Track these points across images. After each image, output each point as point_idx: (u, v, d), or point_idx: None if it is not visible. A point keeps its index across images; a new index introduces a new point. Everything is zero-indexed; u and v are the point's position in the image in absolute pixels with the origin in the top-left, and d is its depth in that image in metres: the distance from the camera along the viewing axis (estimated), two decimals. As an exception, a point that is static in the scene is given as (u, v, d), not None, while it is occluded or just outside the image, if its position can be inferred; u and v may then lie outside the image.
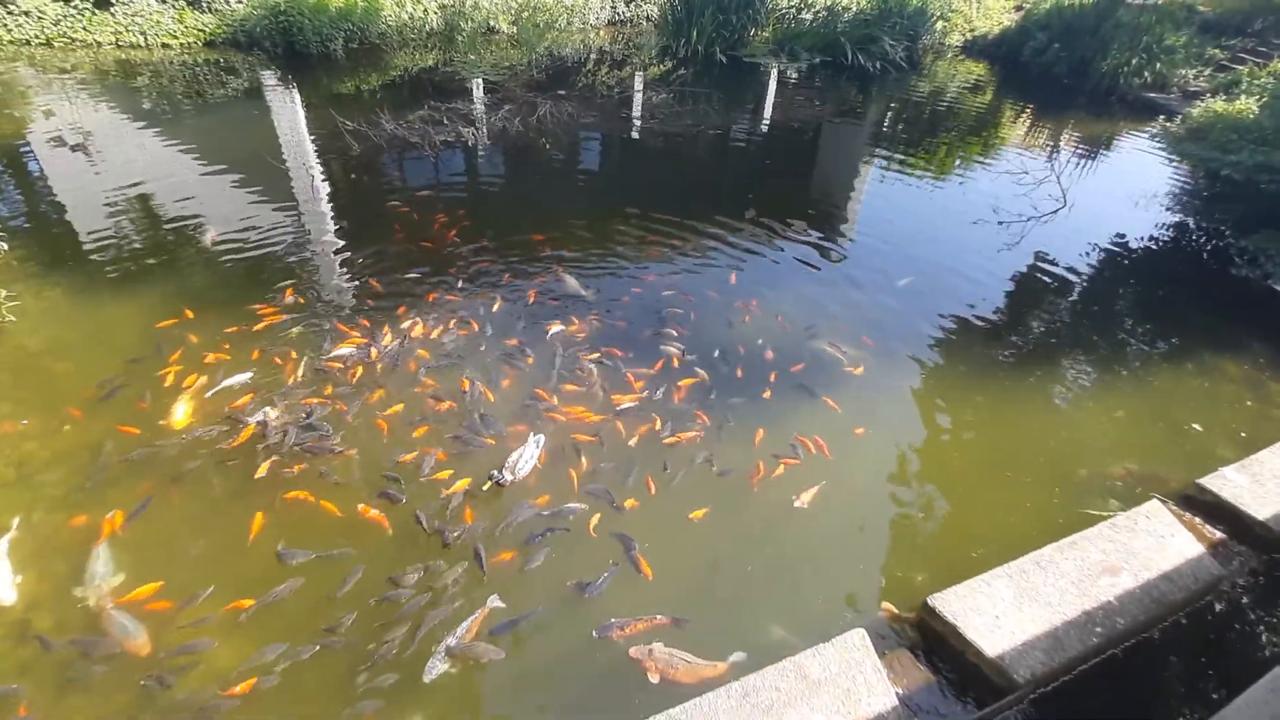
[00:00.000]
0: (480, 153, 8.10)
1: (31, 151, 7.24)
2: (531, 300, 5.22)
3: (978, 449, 4.21)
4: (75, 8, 10.16)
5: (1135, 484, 3.89)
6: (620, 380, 4.45)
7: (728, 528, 3.51)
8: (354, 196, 6.87)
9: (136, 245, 5.63)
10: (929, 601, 2.77)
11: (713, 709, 2.34)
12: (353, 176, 7.24)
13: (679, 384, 4.43)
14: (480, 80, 10.50)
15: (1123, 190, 8.37)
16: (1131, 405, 4.65)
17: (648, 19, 14.94)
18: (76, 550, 3.16)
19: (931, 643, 2.76)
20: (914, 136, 10.20)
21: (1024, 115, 11.58)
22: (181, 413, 3.89)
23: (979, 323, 5.45)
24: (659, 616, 3.01)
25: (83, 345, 4.43)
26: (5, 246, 5.10)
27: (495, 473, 3.59)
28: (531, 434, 3.84)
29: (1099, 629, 2.64)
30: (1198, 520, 3.32)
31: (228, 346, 4.46)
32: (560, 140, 8.61)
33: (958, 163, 9.16)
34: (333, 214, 6.49)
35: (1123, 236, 7.17)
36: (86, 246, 5.55)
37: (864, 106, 11.38)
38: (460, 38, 12.22)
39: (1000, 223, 7.21)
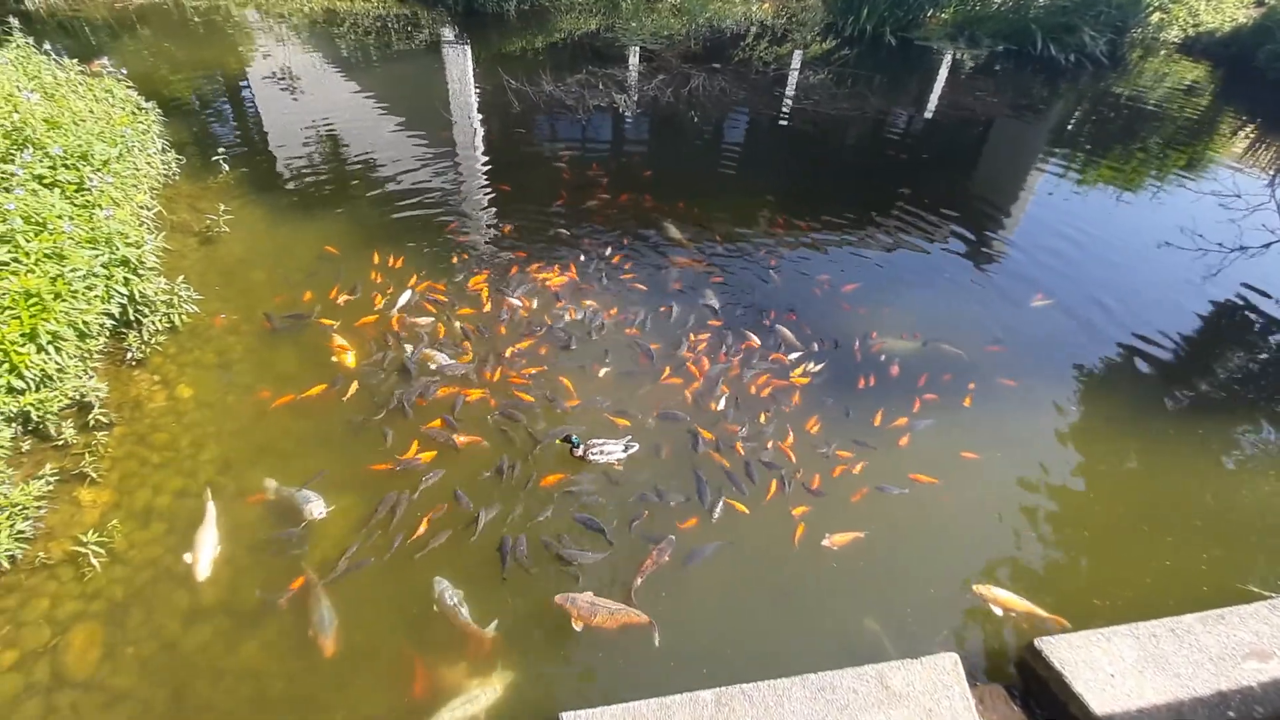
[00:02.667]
0: (629, 120, 8.24)
1: (249, 86, 8.28)
2: (655, 272, 5.31)
3: (1117, 496, 3.82)
4: (296, -41, 11.39)
5: (1313, 569, 3.38)
6: (733, 378, 4.40)
7: (822, 534, 3.47)
8: (508, 151, 7.26)
9: (322, 176, 6.33)
10: (1035, 644, 2.61)
11: (786, 693, 2.37)
12: (510, 132, 7.65)
13: (795, 381, 4.35)
14: (638, 48, 10.61)
15: (1364, 230, 7.04)
16: (1326, 480, 4.00)
17: (817, -7, 14.30)
18: (265, 429, 3.73)
19: (1031, 686, 2.61)
20: (1103, 141, 9.09)
21: (1246, 129, 9.97)
22: (344, 336, 4.40)
23: (1148, 358, 4.87)
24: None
25: (274, 258, 5.09)
26: (227, 168, 5.96)
27: (575, 438, 3.64)
28: (629, 438, 3.76)
29: (1232, 714, 2.36)
30: (1387, 622, 2.83)
31: (384, 279, 4.94)
32: (709, 115, 8.56)
33: (1152, 176, 8.09)
34: (488, 166, 6.92)
35: (1354, 285, 6.06)
36: (283, 174, 6.32)
37: (1047, 103, 10.29)
38: (625, 4, 12.37)
39: (1198, 250, 6.33)
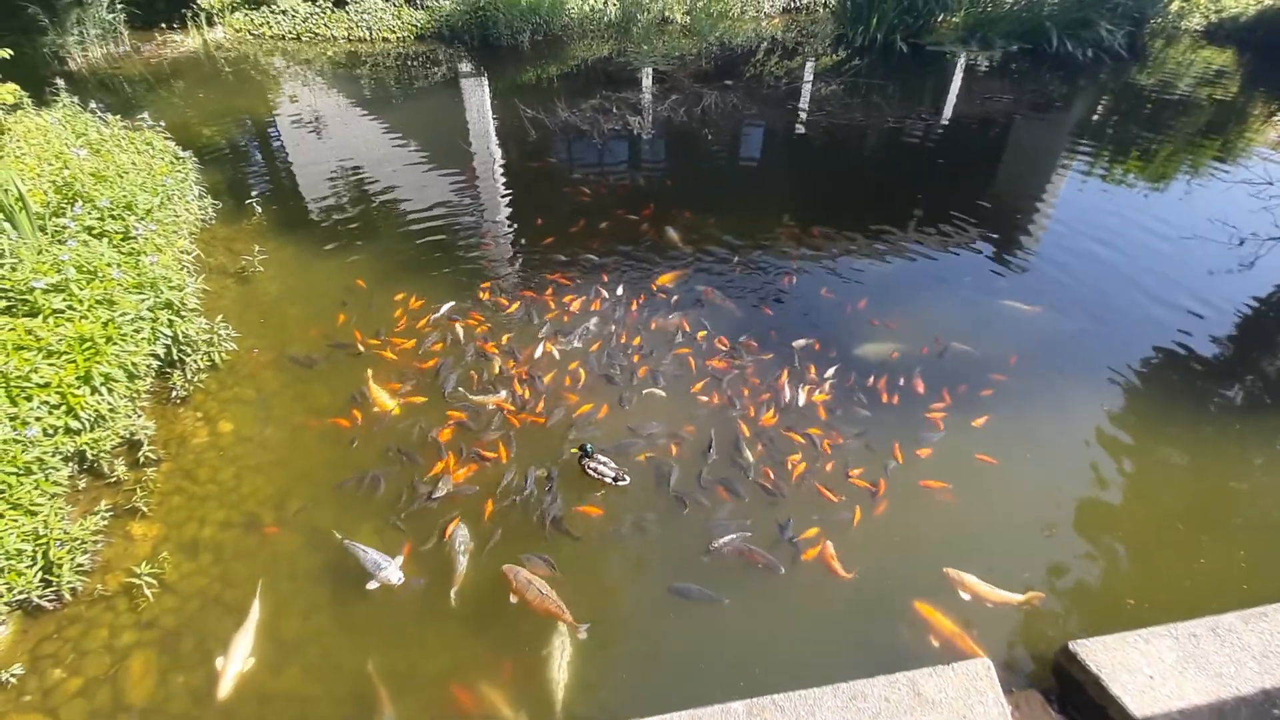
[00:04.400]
0: (644, 142, 8.38)
1: (278, 130, 8.65)
2: (668, 293, 5.32)
3: (1152, 496, 3.74)
4: (319, 6, 11.91)
5: (1367, 564, 3.26)
6: (754, 399, 4.40)
7: (844, 549, 3.47)
8: (527, 178, 7.44)
9: (348, 213, 6.56)
10: (1070, 647, 2.57)
11: (817, 702, 2.38)
12: (528, 160, 7.84)
13: (815, 399, 4.34)
14: (650, 70, 10.80)
15: None
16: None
17: (825, 5, 14.41)
18: (302, 461, 3.88)
19: (1067, 690, 2.57)
20: (1128, 136, 8.94)
21: (1279, 114, 9.70)
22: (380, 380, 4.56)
23: (1182, 356, 4.75)
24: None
25: (307, 294, 5.30)
26: (260, 210, 6.24)
27: (589, 447, 3.79)
28: (625, 470, 3.76)
29: (1277, 712, 2.29)
30: None
31: (406, 318, 5.11)
32: (723, 132, 8.66)
33: (1183, 168, 7.92)
34: (508, 194, 7.11)
35: (1399, 267, 5.85)
36: (312, 212, 6.58)
37: (1067, 101, 10.17)
38: (635, 28, 12.62)
39: (1231, 241, 6.18)
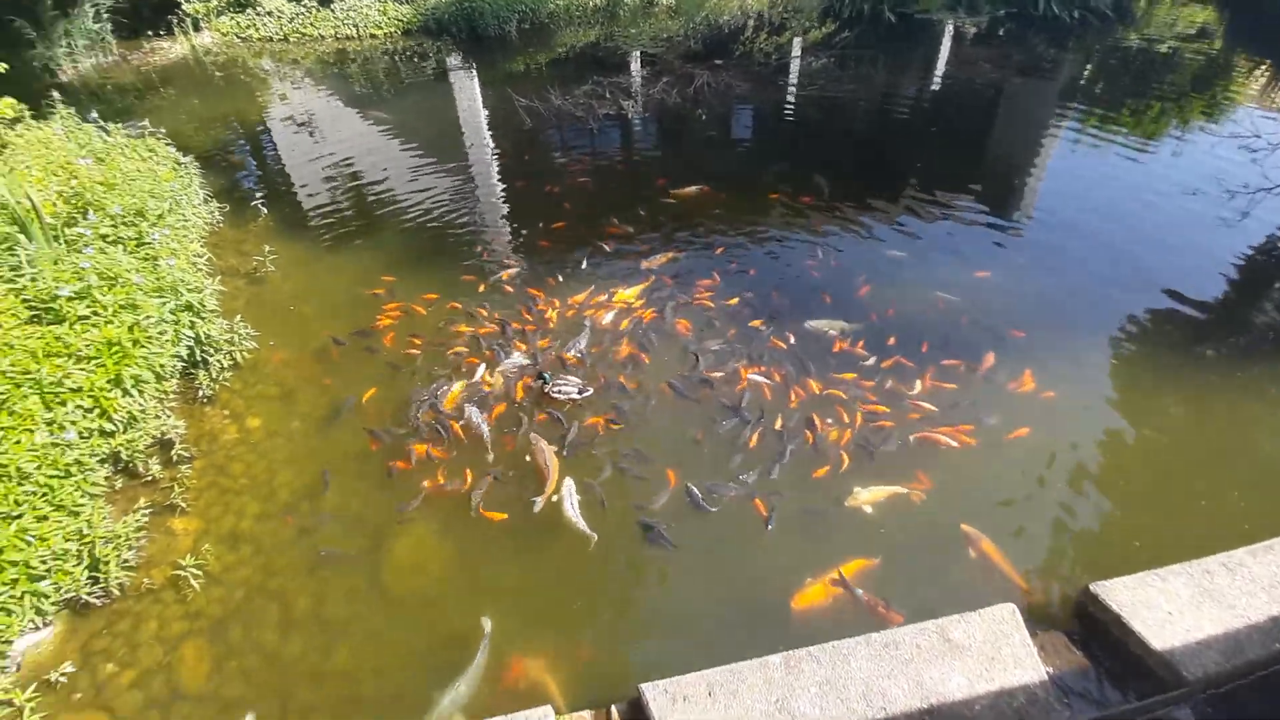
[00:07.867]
0: (638, 125, 8.41)
1: (271, 132, 8.64)
2: (676, 277, 5.37)
3: (1154, 445, 3.86)
4: (305, 6, 11.83)
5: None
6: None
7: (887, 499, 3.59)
8: (525, 167, 7.47)
9: (348, 212, 6.58)
10: (1091, 589, 2.68)
11: (851, 652, 2.49)
12: (524, 149, 7.86)
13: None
14: (639, 53, 10.78)
15: (1397, 158, 6.90)
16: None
17: (811, -21, 14.34)
18: (329, 452, 3.97)
19: (1089, 630, 2.69)
20: (1117, 97, 9.00)
21: (1261, 69, 9.75)
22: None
23: (1183, 309, 4.87)
24: None
25: (319, 292, 5.36)
26: (265, 211, 6.27)
27: (547, 375, 4.19)
28: (585, 383, 4.21)
29: (1289, 638, 2.42)
30: None
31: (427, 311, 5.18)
32: (716, 111, 8.68)
33: (1172, 126, 7.99)
34: (504, 186, 7.13)
35: (1390, 214, 5.95)
36: (313, 212, 6.58)
37: (1055, 64, 10.19)
38: (622, 12, 12.58)
39: (1222, 195, 6.27)
